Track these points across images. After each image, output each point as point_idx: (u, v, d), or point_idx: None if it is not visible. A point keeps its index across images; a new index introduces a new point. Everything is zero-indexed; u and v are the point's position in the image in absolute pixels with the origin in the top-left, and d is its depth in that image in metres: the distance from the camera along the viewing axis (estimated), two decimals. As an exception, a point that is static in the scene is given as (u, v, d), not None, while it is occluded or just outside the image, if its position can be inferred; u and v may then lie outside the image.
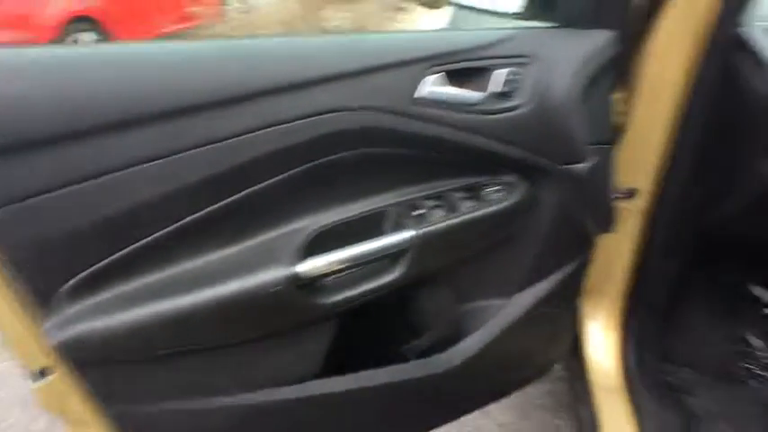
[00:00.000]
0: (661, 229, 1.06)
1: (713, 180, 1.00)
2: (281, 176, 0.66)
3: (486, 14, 0.99)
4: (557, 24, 0.85)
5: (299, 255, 0.68)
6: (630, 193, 1.02)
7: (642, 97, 0.92)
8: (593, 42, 0.80)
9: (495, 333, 0.92)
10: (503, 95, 0.74)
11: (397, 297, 0.79)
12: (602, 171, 0.84)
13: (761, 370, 1.36)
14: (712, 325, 1.42)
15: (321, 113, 0.65)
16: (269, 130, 0.63)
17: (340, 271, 0.71)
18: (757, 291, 1.46)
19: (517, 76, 0.75)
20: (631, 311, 1.17)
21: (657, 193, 1.01)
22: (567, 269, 0.96)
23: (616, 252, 1.09)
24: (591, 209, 0.88)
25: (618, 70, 0.86)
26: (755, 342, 1.40)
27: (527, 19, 0.88)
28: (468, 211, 0.78)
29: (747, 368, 1.36)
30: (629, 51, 0.89)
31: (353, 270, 0.72)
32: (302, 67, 0.65)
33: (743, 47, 0.86)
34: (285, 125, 0.64)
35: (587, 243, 0.96)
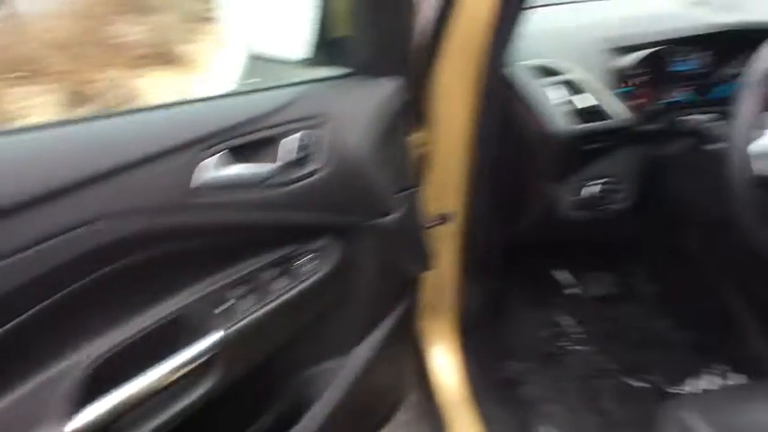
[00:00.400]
0: (474, 247, 1.12)
1: (510, 200, 1.09)
2: (43, 305, 0.53)
3: (276, 63, 0.94)
4: (347, 70, 0.83)
5: (72, 404, 0.54)
6: (444, 219, 1.07)
7: (439, 134, 0.96)
8: (384, 90, 0.79)
9: (343, 390, 0.89)
10: (296, 163, 0.69)
11: (220, 398, 0.70)
12: (411, 216, 0.85)
13: (574, 345, 1.54)
14: (530, 315, 1.57)
15: (77, 227, 0.53)
16: (19, 257, 0.49)
17: (137, 405, 0.59)
18: (558, 275, 1.67)
19: (310, 140, 0.70)
20: (465, 326, 1.24)
21: (466, 215, 1.07)
22: (398, 311, 0.96)
23: (441, 275, 1.14)
24: (408, 254, 0.89)
25: (412, 112, 0.88)
26: (565, 321, 1.59)
27: (317, 65, 0.84)
28: (282, 292, 0.72)
29: (562, 346, 1.54)
30: (420, 94, 0.91)
31: (154, 398, 0.61)
32: (44, 174, 0.52)
33: (510, 86, 0.94)
34: (34, 248, 0.50)
35: (412, 283, 0.97)
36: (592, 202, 0.98)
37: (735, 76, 1.06)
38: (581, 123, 0.92)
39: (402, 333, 1.05)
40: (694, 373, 1.41)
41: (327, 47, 0.82)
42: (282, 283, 0.72)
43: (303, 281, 0.75)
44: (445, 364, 1.24)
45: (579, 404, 1.38)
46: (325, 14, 0.83)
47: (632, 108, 0.99)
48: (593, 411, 1.36)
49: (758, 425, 0.81)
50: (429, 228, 1.04)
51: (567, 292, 1.66)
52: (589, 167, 0.99)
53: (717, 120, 0.95)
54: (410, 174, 0.88)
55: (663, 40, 1.02)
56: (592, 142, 0.94)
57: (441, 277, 1.15)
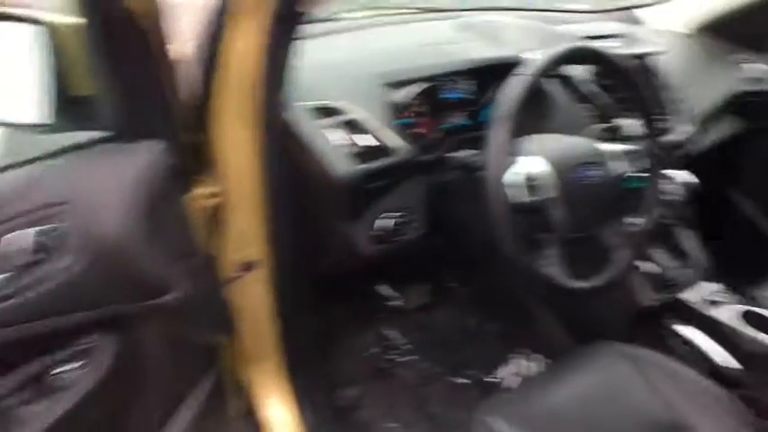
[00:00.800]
0: (286, 289, 1.08)
1: (310, 241, 1.07)
2: None
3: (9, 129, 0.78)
4: (97, 135, 0.72)
5: None
6: (249, 266, 1.02)
7: (229, 185, 0.90)
8: (143, 155, 0.70)
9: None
10: (35, 265, 0.57)
11: None
12: (201, 282, 0.78)
13: (401, 356, 1.61)
14: (358, 337, 1.60)
15: None
16: None
17: None
18: (380, 289, 1.73)
19: (50, 235, 0.59)
20: (294, 369, 1.19)
21: (271, 260, 1.02)
22: (205, 383, 0.88)
23: (258, 325, 1.08)
24: (204, 323, 0.81)
25: (185, 172, 0.80)
26: (391, 333, 1.65)
27: (60, 131, 0.71)
28: (42, 415, 0.59)
29: (391, 360, 1.59)
30: (200, 148, 0.84)
31: None
32: None
33: (291, 130, 0.92)
34: None
35: (216, 350, 0.90)
36: (386, 235, 1.01)
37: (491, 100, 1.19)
38: (363, 163, 0.93)
39: (216, 403, 0.97)
40: (504, 359, 1.57)
41: (71, 108, 0.71)
42: (40, 406, 0.60)
43: (71, 392, 0.63)
44: (279, 413, 1.19)
45: (411, 415, 1.43)
46: (64, 69, 0.71)
47: (414, 138, 1.04)
48: (425, 418, 1.43)
49: (553, 410, 0.91)
50: (234, 279, 0.98)
51: (391, 305, 1.72)
52: (379, 203, 1.01)
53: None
54: (192, 238, 0.80)
55: (432, 75, 1.09)
56: (376, 180, 0.96)
57: (258, 327, 1.10)
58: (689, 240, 1.28)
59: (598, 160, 0.92)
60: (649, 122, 0.97)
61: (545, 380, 0.99)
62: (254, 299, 1.04)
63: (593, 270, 0.94)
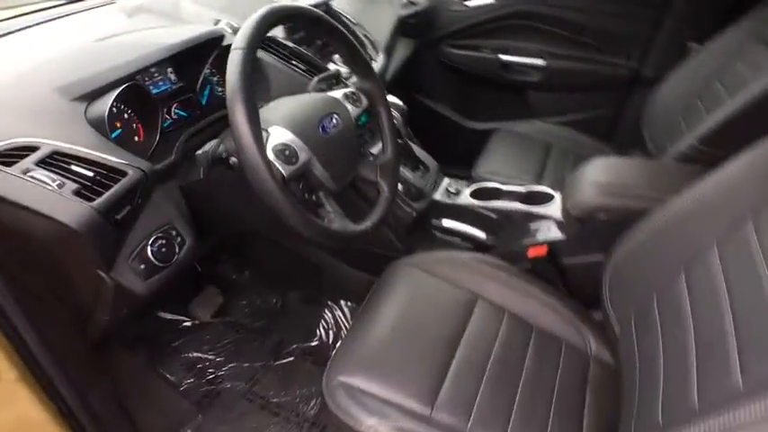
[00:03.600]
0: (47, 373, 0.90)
1: (73, 309, 0.90)
2: None
3: None
4: None
5: None
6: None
7: None
8: None
9: None
10: None
11: None
12: None
13: (219, 369, 1.51)
14: (162, 377, 1.44)
15: None
16: None
17: None
18: (164, 316, 1.58)
19: None
20: None
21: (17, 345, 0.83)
22: None
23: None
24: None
25: None
26: (197, 355, 1.53)
27: None
28: None
29: (212, 378, 1.48)
30: None
31: None
32: None
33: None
34: None
35: None
36: (156, 263, 0.90)
37: (206, 81, 1.12)
38: (94, 198, 0.79)
39: None
40: (316, 320, 1.62)
41: None
42: None
43: None
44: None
45: (260, 418, 1.39)
46: None
47: (135, 149, 0.92)
48: (272, 414, 1.40)
49: (383, 339, 0.98)
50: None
51: (183, 326, 1.59)
52: (133, 234, 0.88)
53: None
54: None
55: (130, 74, 0.96)
56: (119, 210, 0.83)
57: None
58: (419, 152, 1.48)
59: (331, 110, 0.97)
60: (356, 61, 1.05)
61: (363, 319, 1.06)
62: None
63: (366, 209, 1.02)
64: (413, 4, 1.89)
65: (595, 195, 1.12)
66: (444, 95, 2.11)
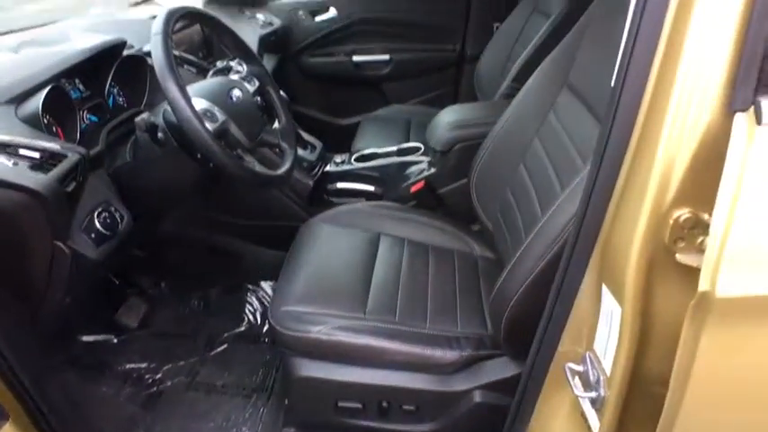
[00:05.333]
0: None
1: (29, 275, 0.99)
2: None
3: None
4: None
5: None
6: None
7: None
8: None
9: None
10: None
11: None
12: None
13: (155, 374, 1.55)
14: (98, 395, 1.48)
15: None
16: None
17: None
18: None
19: None
20: None
21: None
22: None
23: None
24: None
25: None
26: (130, 365, 1.56)
27: None
28: None
29: (150, 383, 1.53)
30: None
31: None
32: None
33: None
34: None
35: None
36: (106, 229, 1.02)
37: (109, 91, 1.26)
38: (46, 171, 0.91)
39: None
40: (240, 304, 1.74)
41: None
42: None
43: None
44: None
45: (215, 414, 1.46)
46: None
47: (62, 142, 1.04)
48: (227, 394, 1.48)
49: (307, 285, 1.19)
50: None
51: (113, 342, 1.61)
52: (80, 206, 1.00)
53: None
54: None
55: (50, 78, 1.08)
56: (69, 182, 0.94)
57: None
58: (305, 135, 1.72)
59: (233, 85, 1.18)
60: (244, 50, 1.28)
61: (290, 265, 1.24)
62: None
63: (276, 166, 1.23)
64: (270, 24, 2.16)
65: (450, 130, 1.45)
66: (311, 100, 2.39)
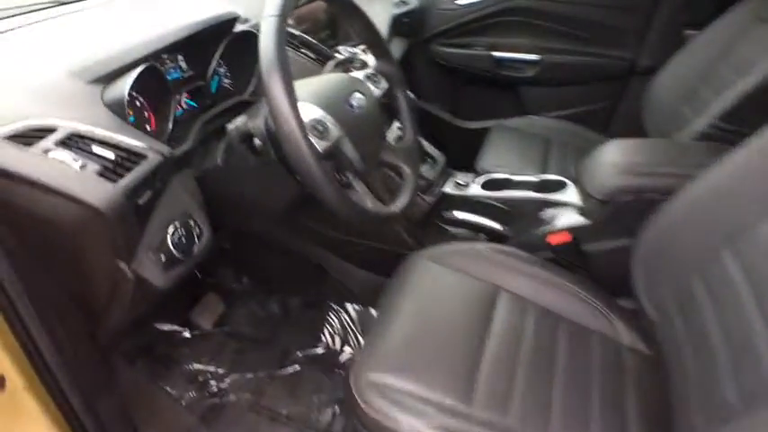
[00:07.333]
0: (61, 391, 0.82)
1: (89, 301, 0.83)
2: None
3: None
4: None
5: None
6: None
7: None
8: None
9: None
10: None
11: None
12: None
13: (222, 381, 1.42)
14: (164, 390, 1.36)
15: None
16: None
17: None
18: (161, 327, 1.49)
19: None
20: None
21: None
22: None
23: None
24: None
25: None
26: (198, 366, 1.44)
27: None
28: None
29: (216, 391, 1.40)
30: None
31: None
32: None
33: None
34: None
35: None
36: (176, 254, 0.83)
37: (214, 71, 1.07)
38: (118, 179, 0.73)
39: None
40: (321, 325, 1.55)
41: None
42: None
43: None
44: None
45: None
46: None
47: (148, 135, 0.87)
48: (282, 424, 1.33)
49: (409, 335, 0.94)
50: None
51: (180, 336, 1.50)
52: (153, 221, 0.82)
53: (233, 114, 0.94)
54: None
55: (147, 55, 0.90)
56: (142, 193, 0.77)
57: None
58: (426, 144, 1.45)
59: (355, 87, 0.93)
60: (377, 43, 1.02)
61: (385, 316, 1.01)
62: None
63: (391, 193, 0.98)
64: (405, 3, 1.88)
65: (618, 175, 1.10)
66: (436, 95, 2.09)
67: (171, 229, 0.84)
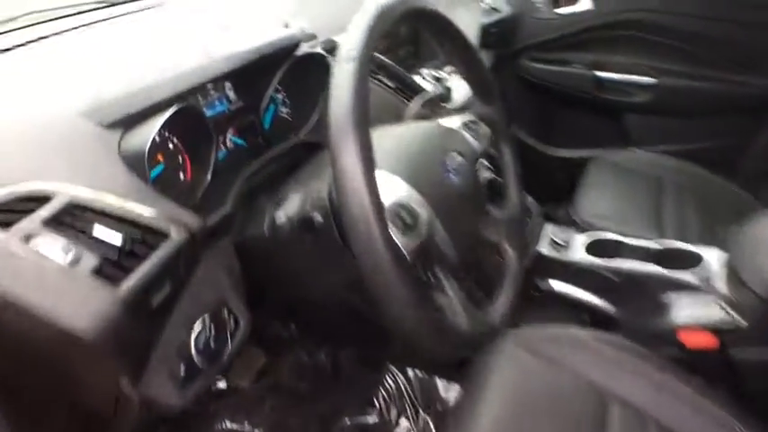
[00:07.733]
0: None
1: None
2: None
3: None
4: None
5: None
6: None
7: None
8: None
9: None
10: None
11: None
12: None
13: None
14: None
15: None
16: None
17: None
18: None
19: None
20: None
21: None
22: None
23: None
24: None
25: None
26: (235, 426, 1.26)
27: None
28: None
29: None
30: None
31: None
32: None
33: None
34: None
35: None
36: (205, 358, 0.63)
37: (270, 100, 0.86)
38: (125, 276, 0.53)
39: None
40: (375, 387, 1.34)
41: None
42: None
43: None
44: None
45: None
46: None
47: (180, 190, 0.67)
48: None
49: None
50: None
51: (219, 387, 1.32)
52: (173, 323, 0.61)
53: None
54: None
55: (180, 93, 0.69)
56: (157, 291, 0.57)
57: None
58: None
59: (452, 147, 0.69)
60: (480, 79, 0.77)
61: (466, 415, 0.79)
62: None
63: (486, 282, 0.73)
64: (496, 10, 1.61)
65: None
66: (521, 117, 1.81)
67: (197, 328, 0.63)
